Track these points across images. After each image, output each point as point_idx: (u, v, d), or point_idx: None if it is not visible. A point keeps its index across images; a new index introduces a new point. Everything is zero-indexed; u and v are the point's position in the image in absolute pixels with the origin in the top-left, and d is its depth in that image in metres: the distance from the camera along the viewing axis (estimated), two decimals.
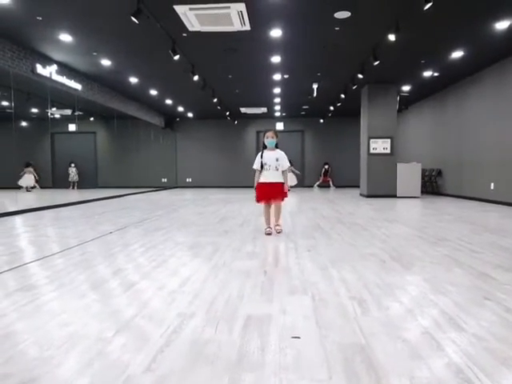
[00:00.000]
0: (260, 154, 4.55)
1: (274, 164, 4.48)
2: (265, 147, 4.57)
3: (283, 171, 4.55)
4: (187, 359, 1.59)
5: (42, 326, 1.93)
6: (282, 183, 4.51)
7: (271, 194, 4.50)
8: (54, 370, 1.51)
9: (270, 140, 4.52)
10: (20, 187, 14.26)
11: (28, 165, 14.47)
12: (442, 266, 3.08)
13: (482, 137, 9.09)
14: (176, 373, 1.49)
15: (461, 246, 3.85)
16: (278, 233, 4.57)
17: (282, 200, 4.58)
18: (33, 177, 14.56)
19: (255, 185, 4.59)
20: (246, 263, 3.19)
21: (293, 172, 13.32)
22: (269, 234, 4.51)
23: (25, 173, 14.41)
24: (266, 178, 4.48)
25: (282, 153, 4.56)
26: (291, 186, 15.73)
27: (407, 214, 7.27)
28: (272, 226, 4.68)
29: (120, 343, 1.73)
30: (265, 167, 4.49)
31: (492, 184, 8.67)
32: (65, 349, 1.68)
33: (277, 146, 4.59)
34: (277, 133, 4.59)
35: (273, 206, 4.63)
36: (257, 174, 4.59)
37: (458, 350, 1.65)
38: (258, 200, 4.58)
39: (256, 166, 4.55)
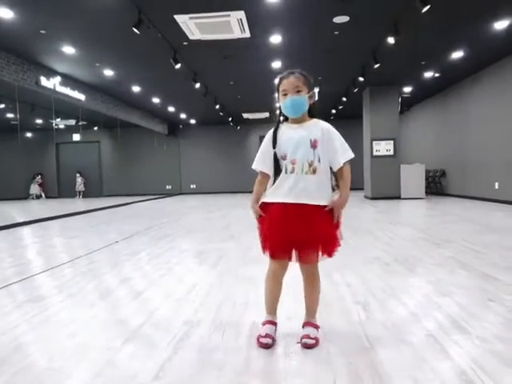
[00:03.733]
0: (271, 133, 1.85)
1: (306, 156, 1.77)
2: (286, 119, 1.89)
3: (338, 171, 1.85)
4: (195, 366, 1.62)
5: (51, 336, 1.97)
6: (325, 207, 1.79)
7: (297, 234, 1.74)
8: (64, 380, 1.54)
9: (291, 97, 1.78)
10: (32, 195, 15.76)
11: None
12: (446, 268, 3.09)
13: (485, 136, 9.08)
14: (184, 380, 1.52)
15: (465, 247, 3.86)
16: (308, 347, 1.75)
17: (330, 254, 1.80)
18: (37, 186, 15.34)
19: (256, 206, 1.86)
20: (251, 269, 3.22)
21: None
22: (265, 344, 1.76)
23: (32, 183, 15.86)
24: (285, 191, 1.77)
25: (327, 125, 1.85)
26: None
27: (411, 215, 7.28)
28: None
29: (128, 352, 1.77)
30: (283, 165, 1.79)
31: (496, 183, 8.65)
32: (74, 359, 1.72)
33: (312, 113, 1.88)
34: (308, 77, 1.84)
35: (301, 273, 1.90)
36: (260, 180, 1.90)
37: (462, 353, 1.66)
38: (266, 247, 1.84)
39: (259, 164, 1.88)
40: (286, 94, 1.80)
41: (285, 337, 1.88)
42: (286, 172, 1.79)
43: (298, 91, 1.79)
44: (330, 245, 1.79)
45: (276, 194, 1.80)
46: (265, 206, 1.84)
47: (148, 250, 4.25)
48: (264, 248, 1.85)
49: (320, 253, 1.79)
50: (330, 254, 1.80)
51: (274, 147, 1.82)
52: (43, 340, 1.93)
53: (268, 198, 1.83)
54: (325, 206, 1.79)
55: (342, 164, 1.82)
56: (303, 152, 1.77)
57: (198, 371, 1.58)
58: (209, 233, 5.39)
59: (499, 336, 1.82)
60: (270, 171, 1.84)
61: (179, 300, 2.50)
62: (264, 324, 1.87)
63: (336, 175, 1.85)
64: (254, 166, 1.92)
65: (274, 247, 1.80)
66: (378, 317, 2.10)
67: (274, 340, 1.81)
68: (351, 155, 1.84)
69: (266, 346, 1.76)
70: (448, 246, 3.94)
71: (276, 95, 1.91)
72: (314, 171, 1.77)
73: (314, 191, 1.77)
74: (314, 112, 1.89)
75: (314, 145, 1.77)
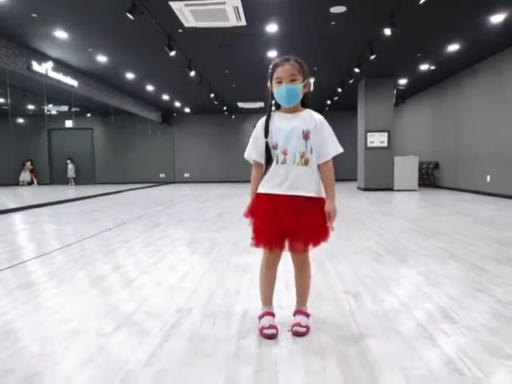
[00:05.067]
0: (263, 122, 1.83)
1: (298, 147, 1.75)
2: (277, 107, 1.85)
3: (322, 165, 1.81)
4: (186, 354, 1.63)
5: (42, 322, 1.97)
6: (320, 199, 1.79)
7: (288, 225, 1.71)
8: (55, 365, 1.55)
9: (286, 86, 1.74)
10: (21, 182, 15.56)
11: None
12: (436, 259, 3.13)
13: (478, 129, 9.12)
14: (175, 367, 1.52)
15: (456, 239, 3.90)
16: (299, 335, 1.77)
17: (317, 244, 1.79)
18: (28, 172, 15.48)
19: (252, 198, 1.84)
20: (243, 258, 3.23)
21: None
22: (271, 335, 1.75)
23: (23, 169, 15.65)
24: (277, 183, 1.76)
25: (320, 117, 1.82)
26: None
27: (403, 207, 7.33)
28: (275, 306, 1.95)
29: (120, 338, 1.77)
30: (275, 154, 1.77)
31: (488, 176, 8.72)
32: (66, 345, 1.72)
33: (305, 104, 1.85)
34: (303, 65, 1.80)
35: (292, 261, 1.89)
36: (255, 171, 1.86)
37: (450, 342, 1.69)
38: (257, 240, 1.79)
39: (252, 153, 1.85)
40: (280, 82, 1.74)
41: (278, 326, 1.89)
42: (277, 162, 1.76)
43: (293, 80, 1.74)
44: (320, 235, 1.77)
45: (268, 185, 1.78)
46: (257, 197, 1.81)
47: (140, 237, 4.24)
48: (256, 240, 1.79)
49: (311, 244, 1.78)
50: (315, 245, 1.79)
51: (266, 137, 1.77)
52: (34, 326, 1.92)
53: (260, 189, 1.80)
54: (315, 198, 1.76)
55: (330, 158, 1.80)
56: (295, 142, 1.74)
57: (189, 358, 1.59)
58: (201, 222, 5.38)
59: (487, 326, 1.85)
60: (263, 160, 1.80)
61: (171, 288, 2.50)
62: (262, 316, 1.84)
63: (319, 168, 1.80)
64: (246, 156, 1.88)
65: (268, 238, 1.77)
66: (368, 306, 2.13)
67: (277, 330, 1.78)
68: (340, 150, 1.82)
69: (272, 337, 1.74)
70: (439, 238, 3.98)
71: (268, 83, 1.82)
72: (306, 162, 1.75)
73: (305, 182, 1.75)
74: (307, 101, 1.84)
75: (306, 136, 1.74)
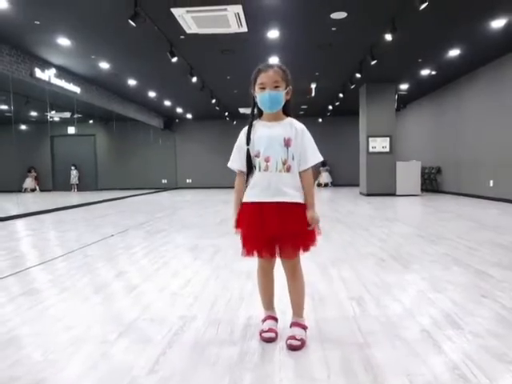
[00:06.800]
0: (245, 131, 1.84)
1: (280, 154, 1.75)
2: (260, 114, 1.86)
3: (302, 173, 1.80)
4: (189, 360, 1.62)
5: (45, 329, 1.97)
6: (301, 205, 1.77)
7: (275, 231, 1.72)
8: (58, 372, 1.54)
9: (269, 92, 1.75)
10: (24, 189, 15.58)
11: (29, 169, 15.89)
12: (440, 265, 3.11)
13: (480, 134, 9.12)
14: (178, 374, 1.52)
15: (459, 244, 3.88)
16: (293, 349, 1.70)
17: (306, 250, 1.80)
18: (33, 179, 15.67)
19: (236, 208, 1.85)
20: (246, 264, 3.21)
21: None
22: (268, 338, 1.78)
23: (27, 176, 15.74)
24: (260, 190, 1.76)
25: (301, 126, 1.82)
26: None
27: (406, 212, 7.31)
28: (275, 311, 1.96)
29: (123, 346, 1.77)
30: (257, 162, 1.78)
31: (491, 181, 8.70)
32: (69, 352, 1.71)
33: (286, 110, 1.84)
34: (286, 72, 1.81)
35: (284, 270, 1.87)
36: (238, 180, 1.88)
37: (455, 348, 1.68)
38: (246, 248, 1.79)
39: (236, 162, 1.87)
40: (263, 88, 1.76)
41: (279, 330, 1.88)
42: (259, 170, 1.76)
43: (276, 86, 1.75)
44: (307, 240, 1.78)
45: (251, 193, 1.78)
46: (243, 207, 1.81)
47: (143, 244, 4.24)
48: (246, 249, 1.78)
49: (301, 248, 1.79)
50: (305, 249, 1.79)
51: (248, 144, 1.79)
52: (38, 333, 1.92)
53: (245, 198, 1.80)
54: (300, 203, 1.76)
55: (309, 166, 1.79)
56: (277, 150, 1.74)
57: (192, 365, 1.58)
58: (204, 228, 5.38)
59: (492, 331, 1.83)
60: (246, 169, 1.81)
61: (174, 294, 2.50)
62: (265, 320, 1.88)
63: (300, 176, 1.80)
64: (229, 165, 1.89)
65: (257, 245, 1.77)
66: (372, 312, 2.12)
67: (276, 334, 1.80)
68: (320, 158, 1.83)
69: (270, 340, 1.77)
70: (443, 243, 3.97)
71: (251, 89, 1.83)
72: (289, 169, 1.75)
73: (288, 189, 1.74)
74: (288, 108, 1.84)
75: (287, 143, 1.75)
